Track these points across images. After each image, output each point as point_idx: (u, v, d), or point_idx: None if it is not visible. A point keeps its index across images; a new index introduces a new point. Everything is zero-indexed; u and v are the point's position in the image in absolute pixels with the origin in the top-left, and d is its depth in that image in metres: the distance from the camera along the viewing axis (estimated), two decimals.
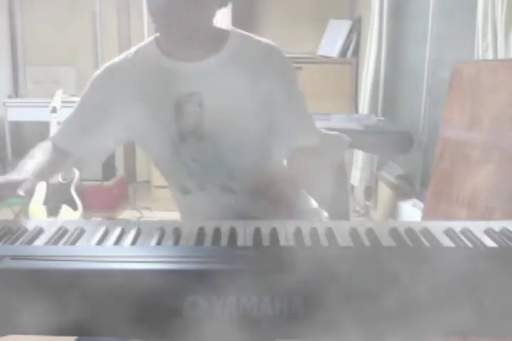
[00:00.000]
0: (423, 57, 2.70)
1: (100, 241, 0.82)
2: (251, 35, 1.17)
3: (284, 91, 1.16)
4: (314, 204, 1.32)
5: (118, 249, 0.79)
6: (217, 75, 1.11)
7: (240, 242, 0.83)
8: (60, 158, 1.18)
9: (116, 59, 1.19)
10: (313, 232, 0.86)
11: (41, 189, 3.10)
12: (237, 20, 3.85)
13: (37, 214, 3.04)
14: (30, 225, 0.88)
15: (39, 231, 0.85)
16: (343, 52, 3.82)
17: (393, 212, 2.99)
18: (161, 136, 1.15)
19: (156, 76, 1.13)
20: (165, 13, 1.02)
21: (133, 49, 1.19)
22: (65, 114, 3.14)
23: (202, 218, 1.09)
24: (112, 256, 0.70)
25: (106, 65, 1.19)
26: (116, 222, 0.90)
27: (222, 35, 1.15)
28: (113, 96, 1.15)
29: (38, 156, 1.12)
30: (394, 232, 0.87)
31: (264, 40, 1.17)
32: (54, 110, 3.12)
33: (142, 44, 1.19)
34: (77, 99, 1.22)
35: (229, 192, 1.20)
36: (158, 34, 1.16)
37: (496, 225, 0.90)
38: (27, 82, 4.07)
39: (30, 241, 0.82)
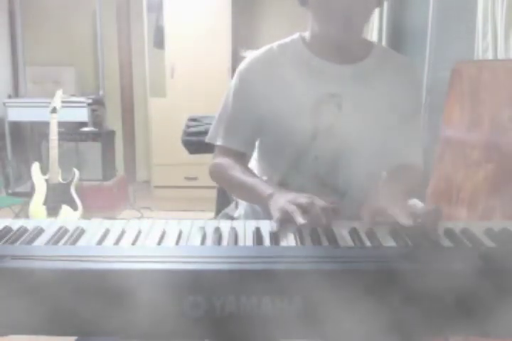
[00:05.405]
0: (423, 57, 2.70)
1: (100, 241, 0.82)
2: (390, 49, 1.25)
3: (413, 106, 1.20)
4: None
5: (118, 249, 0.79)
6: (361, 81, 1.15)
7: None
8: (244, 162, 1.19)
9: (258, 52, 1.21)
10: (314, 232, 0.86)
11: (41, 189, 3.11)
12: (238, 20, 3.85)
13: (37, 214, 3.04)
14: (30, 225, 0.88)
15: (39, 231, 0.85)
16: None
17: None
18: (294, 131, 1.16)
19: (301, 72, 1.16)
20: (332, 8, 1.05)
21: (274, 44, 1.21)
22: (65, 113, 3.18)
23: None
24: (112, 256, 0.70)
25: (249, 58, 1.21)
26: (116, 222, 0.90)
27: (367, 44, 1.21)
28: (261, 86, 1.17)
29: (247, 174, 1.13)
30: (394, 232, 0.87)
31: (403, 55, 1.24)
32: (54, 110, 3.12)
33: (284, 40, 1.21)
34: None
35: (334, 197, 1.17)
36: (303, 33, 1.20)
37: (496, 225, 0.90)
38: (27, 82, 4.06)
39: (30, 241, 0.82)
